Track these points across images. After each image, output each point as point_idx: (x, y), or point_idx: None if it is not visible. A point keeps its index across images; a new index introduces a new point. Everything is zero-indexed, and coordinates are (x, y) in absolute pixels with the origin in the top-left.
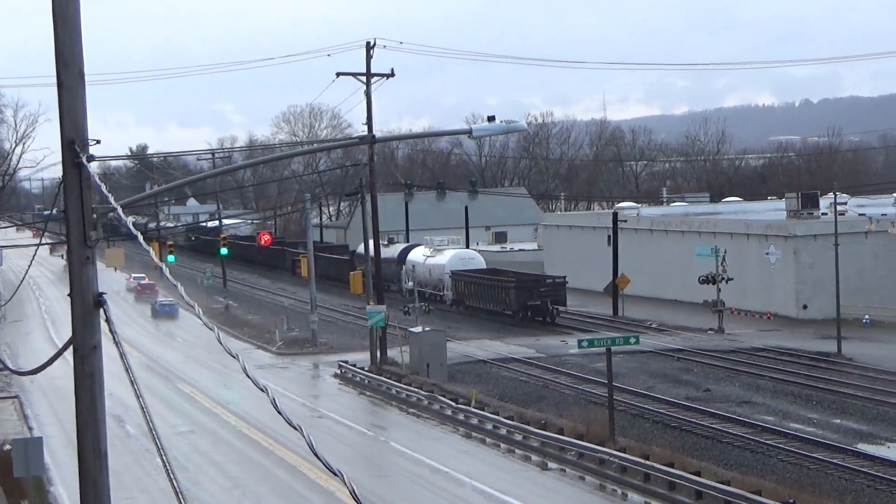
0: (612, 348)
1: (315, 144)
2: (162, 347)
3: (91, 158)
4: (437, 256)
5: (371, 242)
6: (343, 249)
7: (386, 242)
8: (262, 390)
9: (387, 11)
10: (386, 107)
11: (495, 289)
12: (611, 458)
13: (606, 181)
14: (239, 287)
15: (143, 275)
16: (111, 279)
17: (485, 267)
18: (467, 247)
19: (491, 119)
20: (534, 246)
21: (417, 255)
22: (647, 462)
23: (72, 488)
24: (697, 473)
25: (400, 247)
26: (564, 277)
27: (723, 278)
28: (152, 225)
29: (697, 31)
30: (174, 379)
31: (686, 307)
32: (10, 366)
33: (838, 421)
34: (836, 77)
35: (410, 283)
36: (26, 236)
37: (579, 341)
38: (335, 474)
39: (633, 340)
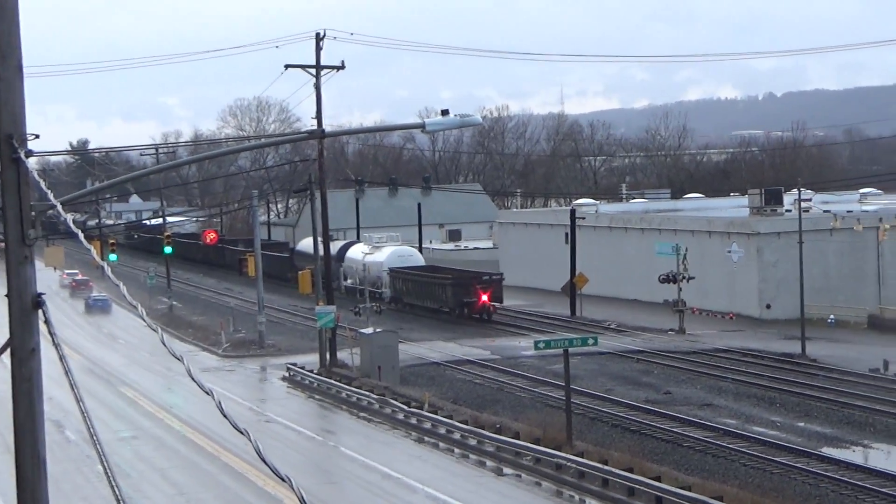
0: (570, 350)
1: (263, 139)
2: (103, 349)
3: (29, 154)
4: (375, 254)
5: (321, 240)
6: (282, 247)
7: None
8: (208, 393)
9: (338, 2)
10: (336, 100)
11: (432, 286)
12: (568, 464)
13: (564, 177)
14: (183, 287)
15: (76, 271)
16: (48, 278)
17: (423, 264)
18: (420, 245)
19: (445, 113)
20: (489, 244)
21: (356, 252)
22: (606, 467)
23: (9, 497)
24: (657, 479)
25: (339, 244)
26: (501, 274)
27: (684, 277)
28: (93, 223)
29: (657, 22)
30: (116, 382)
31: (646, 307)
32: None
33: (802, 424)
34: (800, 70)
35: (349, 281)
36: None
37: (536, 343)
38: (283, 480)
39: (591, 342)
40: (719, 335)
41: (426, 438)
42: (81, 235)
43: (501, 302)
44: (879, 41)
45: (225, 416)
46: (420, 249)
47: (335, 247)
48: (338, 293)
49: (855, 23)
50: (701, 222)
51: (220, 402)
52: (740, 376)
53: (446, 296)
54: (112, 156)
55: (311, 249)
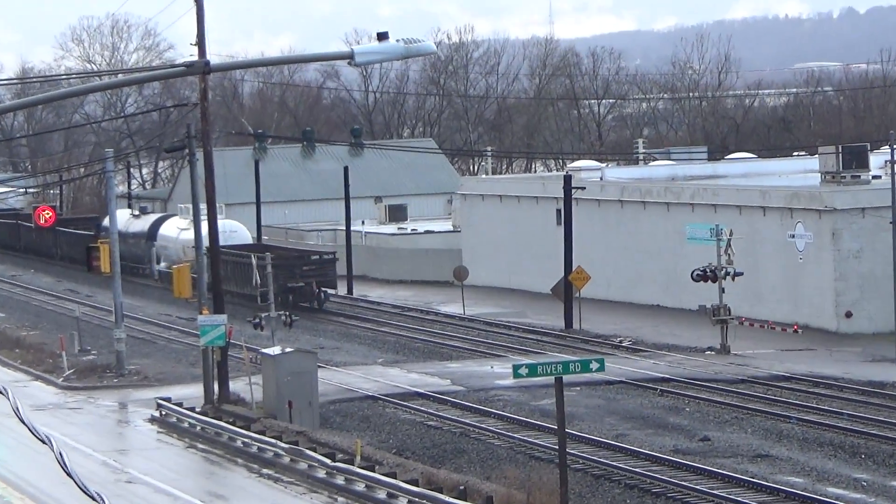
0: (565, 378)
1: (121, 75)
2: None
3: None
4: (191, 230)
5: (207, 222)
6: (89, 223)
7: (137, 213)
8: (44, 441)
9: None
10: (228, 19)
11: (241, 266)
12: None
13: (554, 130)
14: (7, 288)
15: None
16: None
17: (250, 242)
18: (347, 227)
19: (382, 37)
20: (447, 225)
21: (171, 228)
22: None
23: None
24: None
25: (152, 218)
26: (334, 254)
27: (728, 273)
28: None
29: None
30: None
31: (673, 316)
32: None
33: None
34: None
35: (163, 265)
36: None
37: (515, 368)
38: None
39: (594, 366)
40: (778, 356)
41: None
42: None
43: (335, 288)
44: None
45: (69, 474)
46: (348, 233)
47: (148, 222)
48: (151, 280)
49: None
50: (752, 195)
51: (61, 454)
52: (809, 415)
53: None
54: None
55: (123, 226)
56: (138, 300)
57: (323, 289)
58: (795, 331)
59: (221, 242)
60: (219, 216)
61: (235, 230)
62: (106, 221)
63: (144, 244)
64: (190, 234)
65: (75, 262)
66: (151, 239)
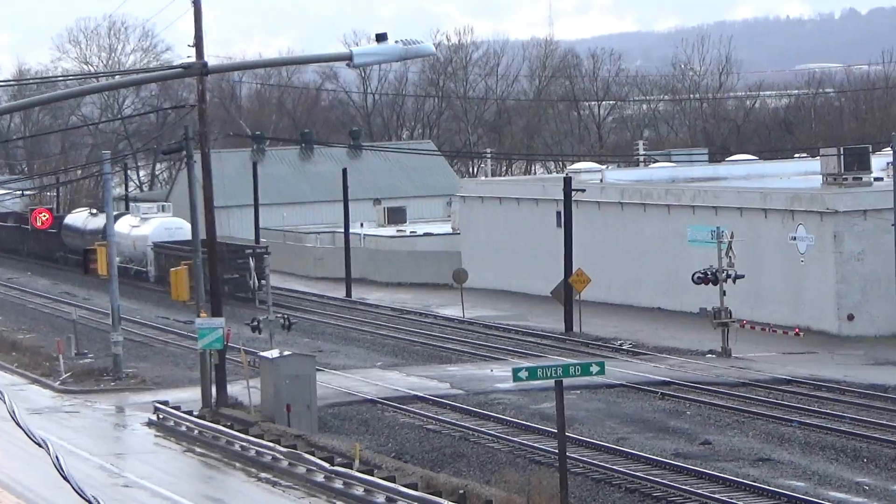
0: (565, 381)
1: (118, 76)
2: None
3: None
4: (142, 227)
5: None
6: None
7: (95, 212)
8: (40, 445)
9: None
10: (226, 20)
11: (184, 260)
12: None
13: (554, 131)
14: (3, 292)
15: None
16: None
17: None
18: (346, 229)
19: (381, 38)
20: (447, 228)
21: (123, 225)
22: None
23: None
24: None
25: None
26: (266, 247)
27: (728, 276)
28: None
29: None
30: None
31: (674, 319)
32: None
33: None
34: None
35: (118, 259)
36: None
37: (515, 371)
38: None
39: (595, 369)
40: (780, 359)
41: None
42: None
43: (266, 280)
44: None
45: (66, 478)
46: (346, 236)
47: (103, 219)
48: (104, 276)
49: None
50: (752, 197)
51: (57, 458)
52: (811, 418)
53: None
54: None
55: (81, 224)
56: (135, 303)
57: (262, 281)
58: (797, 334)
59: (167, 239)
60: (164, 214)
61: (180, 227)
62: (68, 219)
63: (100, 240)
64: (139, 231)
65: (41, 258)
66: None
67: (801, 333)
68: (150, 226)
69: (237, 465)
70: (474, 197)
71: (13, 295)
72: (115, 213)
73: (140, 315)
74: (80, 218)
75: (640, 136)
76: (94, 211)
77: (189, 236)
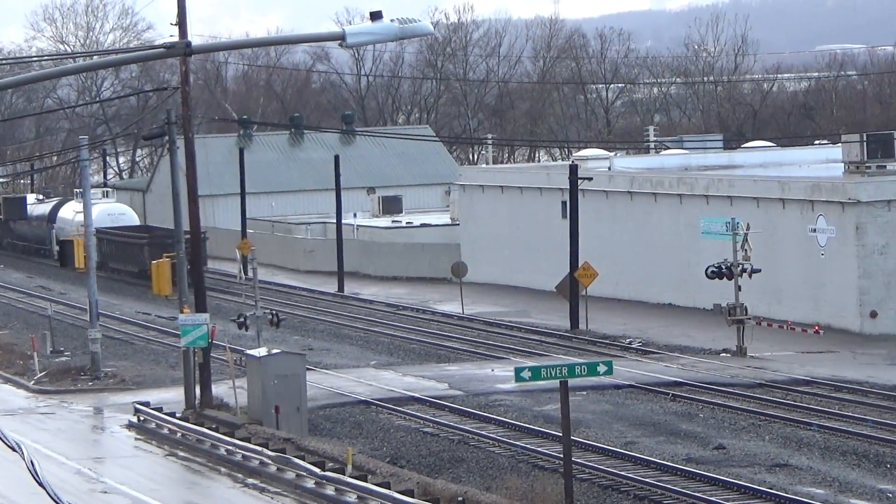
0: (571, 382)
1: (96, 57)
2: None
3: None
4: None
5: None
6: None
7: (42, 198)
8: (14, 449)
9: None
10: None
11: (130, 247)
12: None
13: (559, 116)
14: None
15: None
16: None
17: (136, 224)
18: (339, 220)
19: (376, 16)
20: (445, 219)
21: (68, 211)
22: None
23: None
24: None
25: (52, 203)
26: (205, 232)
27: (744, 270)
28: None
29: None
30: None
31: (686, 315)
32: None
33: None
34: None
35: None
36: None
37: (517, 371)
38: None
39: (602, 369)
40: (798, 359)
41: None
42: None
43: (206, 264)
44: None
45: (41, 483)
46: (339, 227)
47: (49, 206)
48: (50, 259)
49: None
50: (770, 186)
51: (32, 463)
52: (831, 421)
53: (143, 257)
54: None
55: (31, 210)
56: (115, 298)
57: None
58: (816, 332)
59: (110, 225)
60: (107, 200)
61: (123, 213)
62: (36, 207)
63: (45, 226)
64: (83, 217)
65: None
66: (51, 221)
67: (821, 331)
68: (93, 212)
69: (222, 469)
70: (474, 185)
71: None
72: (59, 199)
73: (120, 311)
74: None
75: (650, 121)
76: (41, 197)
77: (133, 222)
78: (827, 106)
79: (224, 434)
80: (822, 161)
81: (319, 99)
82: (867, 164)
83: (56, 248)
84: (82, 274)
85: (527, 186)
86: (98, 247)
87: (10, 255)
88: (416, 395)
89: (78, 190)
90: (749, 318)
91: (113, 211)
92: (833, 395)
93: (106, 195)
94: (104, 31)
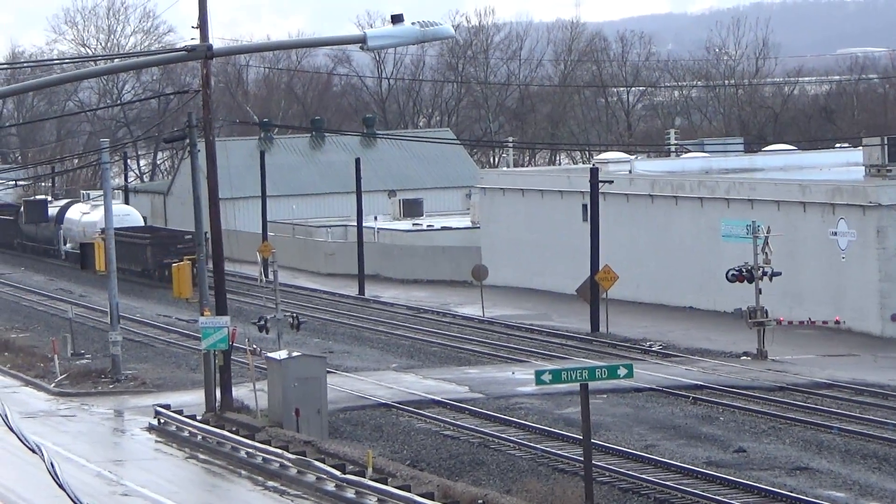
0: (591, 385)
1: (117, 60)
2: None
3: None
4: (91, 213)
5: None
6: (10, 210)
7: (51, 200)
8: (35, 451)
9: None
10: (233, 1)
11: (134, 247)
12: None
13: (580, 119)
14: None
15: None
16: None
17: (141, 224)
18: (360, 221)
19: (397, 19)
20: (465, 222)
21: (75, 212)
22: None
23: None
24: None
25: (60, 204)
26: (206, 232)
27: (765, 273)
28: None
29: None
30: None
31: (707, 318)
32: None
33: None
34: None
35: (69, 245)
36: None
37: (538, 374)
38: None
39: (622, 372)
40: (819, 362)
41: None
42: None
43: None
44: None
45: (62, 486)
46: (359, 230)
47: (56, 207)
48: (58, 259)
49: None
50: (791, 189)
51: (52, 465)
52: (851, 425)
53: (146, 256)
54: None
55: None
56: (135, 300)
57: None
58: (837, 322)
59: (116, 225)
60: (116, 202)
61: (128, 213)
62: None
63: (53, 227)
64: (89, 218)
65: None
66: (59, 222)
67: (842, 322)
68: (98, 213)
69: (242, 472)
70: (495, 188)
71: (6, 292)
72: (67, 200)
73: (140, 313)
74: None
75: (671, 124)
76: (50, 199)
77: (137, 223)
78: (848, 109)
79: (244, 437)
80: (842, 164)
81: (340, 102)
82: (888, 168)
83: (64, 248)
84: (95, 276)
85: (547, 189)
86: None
87: (19, 255)
88: (437, 398)
89: (84, 192)
90: (769, 322)
91: (118, 212)
92: (854, 398)
93: (112, 196)
94: (125, 34)
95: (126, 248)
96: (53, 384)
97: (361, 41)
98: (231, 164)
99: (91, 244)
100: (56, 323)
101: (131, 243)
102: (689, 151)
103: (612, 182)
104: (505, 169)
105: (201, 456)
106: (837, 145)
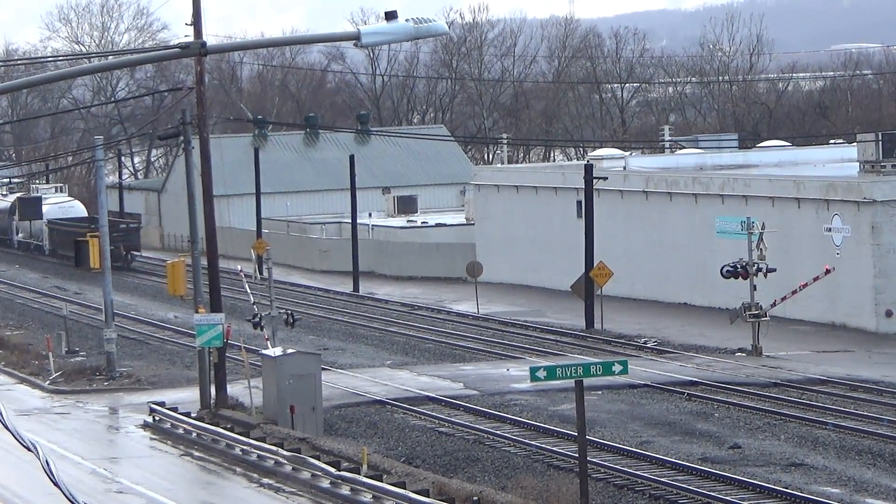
0: (586, 381)
1: (111, 57)
2: None
3: None
4: (46, 207)
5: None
6: None
7: (6, 192)
8: (30, 449)
9: None
10: None
11: (73, 235)
12: None
13: (574, 115)
14: None
15: None
16: None
17: (84, 216)
18: (354, 218)
19: (391, 16)
20: (460, 218)
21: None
22: None
23: None
24: None
25: (14, 196)
26: (139, 222)
27: (759, 269)
28: None
29: None
30: None
31: (701, 315)
32: None
33: None
34: None
35: (20, 235)
36: None
37: (532, 370)
38: None
39: (617, 368)
40: (814, 358)
41: None
42: None
43: (139, 251)
44: None
45: (56, 484)
46: (354, 226)
47: (11, 199)
48: (11, 248)
49: None
50: (785, 185)
51: (47, 463)
52: (846, 421)
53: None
54: None
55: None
56: (129, 298)
57: (130, 251)
58: (827, 271)
59: (60, 216)
60: (59, 195)
61: (72, 205)
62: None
63: (8, 218)
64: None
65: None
66: (12, 214)
67: (831, 268)
68: (45, 205)
69: (237, 469)
70: (490, 185)
71: (0, 289)
72: (19, 194)
73: (135, 310)
74: None
75: (665, 120)
76: (5, 192)
77: (81, 214)
78: (842, 105)
79: (239, 434)
80: (837, 160)
81: (334, 99)
82: (882, 164)
83: (17, 238)
84: (97, 274)
85: (542, 186)
86: (50, 236)
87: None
88: (432, 394)
89: (34, 185)
90: (764, 318)
91: (64, 204)
92: (849, 394)
93: (60, 190)
94: (119, 32)
95: (70, 236)
96: (48, 382)
97: (355, 38)
98: (225, 161)
99: (85, 241)
100: (50, 320)
101: (73, 233)
102: (684, 148)
103: (607, 178)
104: (499, 165)
105: (196, 453)
106: (832, 141)
